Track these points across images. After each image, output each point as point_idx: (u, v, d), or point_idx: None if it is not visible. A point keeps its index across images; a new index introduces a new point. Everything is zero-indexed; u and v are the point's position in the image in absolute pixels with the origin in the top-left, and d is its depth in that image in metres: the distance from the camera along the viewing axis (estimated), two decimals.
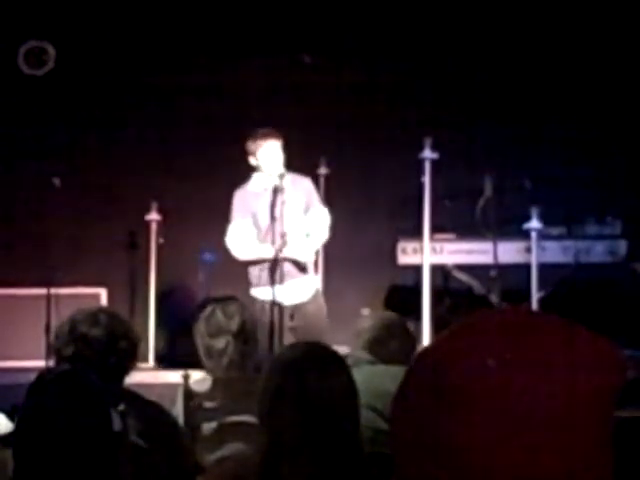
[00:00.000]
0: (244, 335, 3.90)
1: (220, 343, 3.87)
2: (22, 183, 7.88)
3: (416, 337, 4.25)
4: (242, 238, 6.04)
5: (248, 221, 6.05)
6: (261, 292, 5.99)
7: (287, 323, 5.92)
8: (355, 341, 4.09)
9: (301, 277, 6.02)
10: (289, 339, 5.69)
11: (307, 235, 6.07)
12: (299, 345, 2.77)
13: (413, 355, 4.08)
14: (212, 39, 8.22)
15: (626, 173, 7.96)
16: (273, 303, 5.70)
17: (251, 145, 6.03)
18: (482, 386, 1.38)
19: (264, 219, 5.98)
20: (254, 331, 4.00)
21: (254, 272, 6.04)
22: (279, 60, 8.14)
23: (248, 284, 6.11)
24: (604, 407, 1.41)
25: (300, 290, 6.03)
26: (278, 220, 5.85)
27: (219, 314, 3.93)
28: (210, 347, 3.88)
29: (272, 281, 5.76)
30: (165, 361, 7.59)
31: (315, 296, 6.13)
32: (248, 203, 6.08)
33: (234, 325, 3.90)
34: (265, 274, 5.89)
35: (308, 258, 6.09)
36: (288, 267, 5.92)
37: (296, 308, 6.00)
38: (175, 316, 8.00)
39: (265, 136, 6.03)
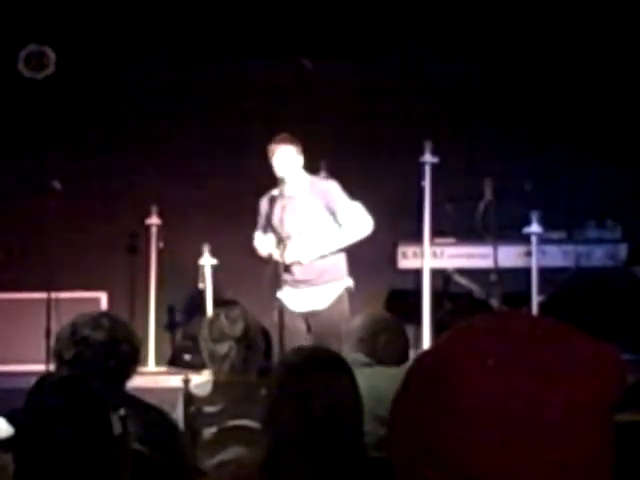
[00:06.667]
0: (247, 340, 3.91)
1: (223, 348, 3.88)
2: (22, 186, 7.88)
3: (407, 334, 4.23)
4: (257, 245, 6.11)
5: (259, 233, 6.10)
6: (281, 294, 5.98)
7: (301, 328, 5.88)
8: (347, 343, 4.09)
9: (318, 285, 5.90)
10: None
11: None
12: (303, 349, 2.77)
13: (404, 350, 4.08)
14: (212, 41, 8.22)
15: (626, 177, 7.96)
16: (281, 307, 5.71)
17: (268, 152, 6.02)
18: (482, 389, 1.38)
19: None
20: (257, 336, 4.01)
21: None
22: (280, 63, 8.14)
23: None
24: (603, 412, 1.41)
25: (316, 297, 5.92)
26: (278, 226, 5.86)
27: (223, 319, 3.94)
28: (213, 352, 3.89)
29: (276, 285, 5.73)
30: (165, 365, 7.59)
31: (336, 302, 5.95)
32: (265, 209, 6.10)
33: (237, 330, 3.91)
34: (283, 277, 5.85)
35: (325, 261, 5.97)
36: (301, 273, 5.87)
37: (311, 315, 5.93)
38: (176, 320, 8.02)
39: (275, 142, 6.01)
